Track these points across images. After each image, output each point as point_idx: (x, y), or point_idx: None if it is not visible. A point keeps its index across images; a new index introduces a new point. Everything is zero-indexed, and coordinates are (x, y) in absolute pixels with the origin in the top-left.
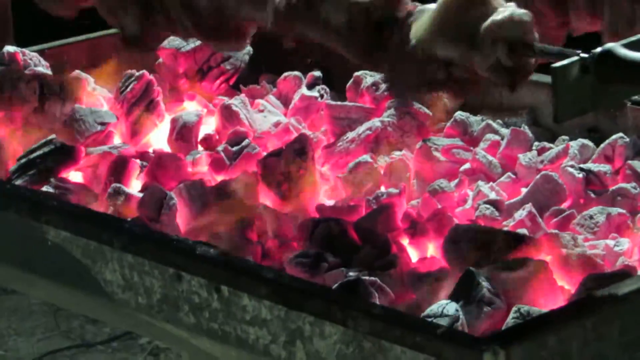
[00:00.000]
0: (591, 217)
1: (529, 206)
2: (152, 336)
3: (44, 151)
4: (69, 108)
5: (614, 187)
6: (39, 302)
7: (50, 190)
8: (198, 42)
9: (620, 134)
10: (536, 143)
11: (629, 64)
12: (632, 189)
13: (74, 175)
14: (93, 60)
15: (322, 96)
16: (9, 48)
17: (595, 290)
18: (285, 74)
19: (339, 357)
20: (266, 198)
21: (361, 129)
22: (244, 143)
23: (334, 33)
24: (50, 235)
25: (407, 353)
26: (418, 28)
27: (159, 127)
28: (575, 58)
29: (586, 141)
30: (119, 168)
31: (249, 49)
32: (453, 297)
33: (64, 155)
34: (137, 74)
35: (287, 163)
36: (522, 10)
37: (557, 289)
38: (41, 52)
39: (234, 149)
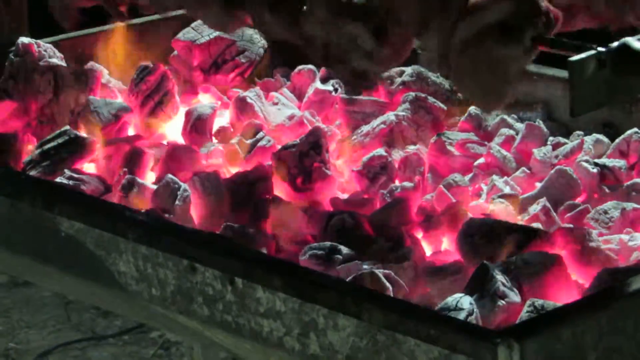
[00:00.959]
0: (605, 212)
1: (543, 200)
2: (166, 328)
3: (58, 142)
4: (84, 99)
5: (628, 182)
6: (50, 295)
7: (64, 181)
8: (214, 35)
9: (635, 129)
10: (551, 138)
11: None
12: None
13: (88, 167)
14: (108, 51)
15: (336, 90)
16: (24, 39)
17: (610, 284)
18: (299, 67)
19: (352, 350)
20: (280, 191)
21: (375, 122)
22: (258, 136)
23: None
24: (64, 227)
25: (421, 346)
26: None
27: (173, 119)
28: (592, 52)
29: (601, 136)
30: (133, 160)
31: (263, 42)
32: (467, 290)
33: (79, 146)
34: (151, 65)
35: (301, 156)
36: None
37: (571, 283)
38: (56, 44)
39: (249, 141)
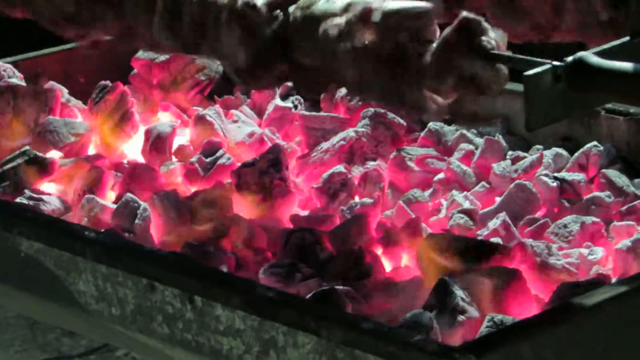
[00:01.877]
0: (565, 226)
1: (503, 215)
2: (127, 347)
3: (18, 162)
4: (43, 119)
5: (588, 196)
6: (15, 315)
7: (24, 201)
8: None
9: (594, 143)
10: (510, 152)
11: (601, 72)
12: (606, 197)
13: (48, 187)
14: (67, 71)
15: (296, 107)
16: None
17: (569, 298)
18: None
19: None
20: (240, 208)
21: (335, 139)
22: (218, 153)
23: None
24: (23, 247)
25: None
26: None
27: (133, 138)
28: (548, 66)
29: (560, 150)
30: (93, 179)
31: None
32: (427, 306)
33: (38, 166)
34: (110, 85)
35: (261, 173)
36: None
37: (531, 298)
38: (15, 64)
39: (208, 159)
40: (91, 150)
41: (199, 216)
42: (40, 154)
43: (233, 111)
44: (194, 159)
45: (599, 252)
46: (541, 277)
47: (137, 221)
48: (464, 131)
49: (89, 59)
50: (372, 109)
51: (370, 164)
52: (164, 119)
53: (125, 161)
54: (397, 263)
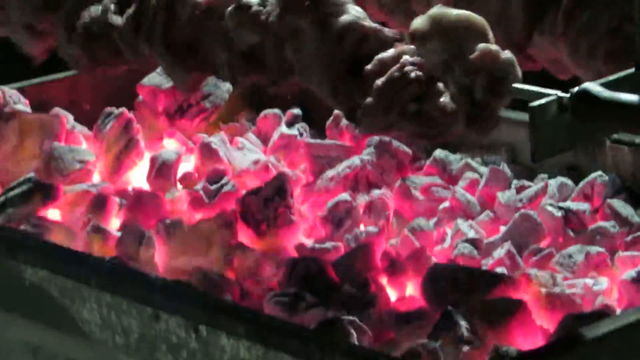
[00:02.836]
0: (570, 256)
1: (507, 244)
2: None
3: (22, 189)
4: (48, 146)
5: (593, 226)
6: (18, 340)
7: (29, 228)
8: None
9: (599, 172)
10: (515, 181)
11: (606, 103)
12: (611, 227)
13: (53, 214)
14: (73, 98)
15: (301, 134)
16: None
17: (574, 329)
18: (265, 111)
19: None
20: (245, 237)
21: (340, 167)
22: (223, 181)
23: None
24: (28, 274)
25: None
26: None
27: (138, 165)
28: (553, 97)
29: (565, 179)
30: (98, 206)
31: (228, 86)
32: (432, 336)
33: (43, 193)
34: (116, 111)
35: (266, 201)
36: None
37: (536, 329)
38: (21, 90)
39: (213, 187)
40: (96, 177)
41: (203, 244)
42: (45, 181)
43: (238, 138)
44: (198, 186)
45: (604, 282)
46: (546, 308)
47: (141, 249)
48: (469, 160)
49: (94, 85)
50: (377, 137)
51: (376, 192)
52: (169, 146)
53: (130, 188)
54: (402, 293)
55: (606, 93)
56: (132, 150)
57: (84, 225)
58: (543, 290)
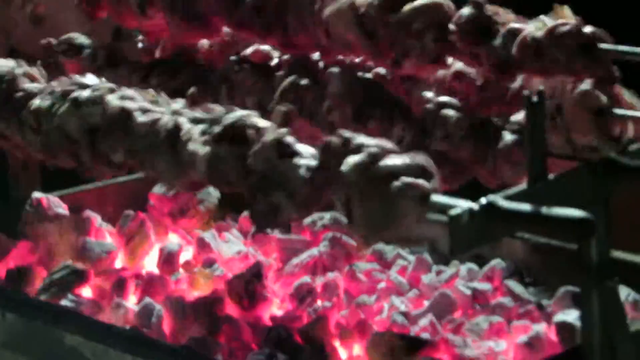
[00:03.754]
0: (477, 324)
1: (430, 315)
2: None
3: (62, 274)
4: (82, 240)
5: (494, 301)
6: None
7: (67, 303)
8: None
9: (499, 260)
10: (435, 267)
11: (506, 212)
12: (508, 302)
13: (86, 292)
14: (100, 203)
15: (272, 230)
16: (36, 194)
17: None
18: (245, 213)
19: None
20: (231, 309)
21: (303, 256)
22: (214, 267)
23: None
24: (67, 340)
25: None
26: None
27: (149, 254)
28: (466, 208)
29: (473, 265)
30: (119, 286)
31: (217, 194)
32: None
33: (78, 276)
34: (133, 213)
35: (247, 283)
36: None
37: None
38: (61, 197)
39: (207, 271)
40: (118, 264)
41: (199, 315)
42: (79, 267)
43: (225, 233)
44: (196, 270)
45: (503, 344)
46: None
47: (153, 319)
48: (400, 250)
49: (116, 193)
50: (330, 233)
51: (330, 275)
52: (174, 239)
53: (144, 272)
54: (350, 353)
55: (506, 204)
56: (145, 242)
57: (110, 301)
58: (457, 351)
